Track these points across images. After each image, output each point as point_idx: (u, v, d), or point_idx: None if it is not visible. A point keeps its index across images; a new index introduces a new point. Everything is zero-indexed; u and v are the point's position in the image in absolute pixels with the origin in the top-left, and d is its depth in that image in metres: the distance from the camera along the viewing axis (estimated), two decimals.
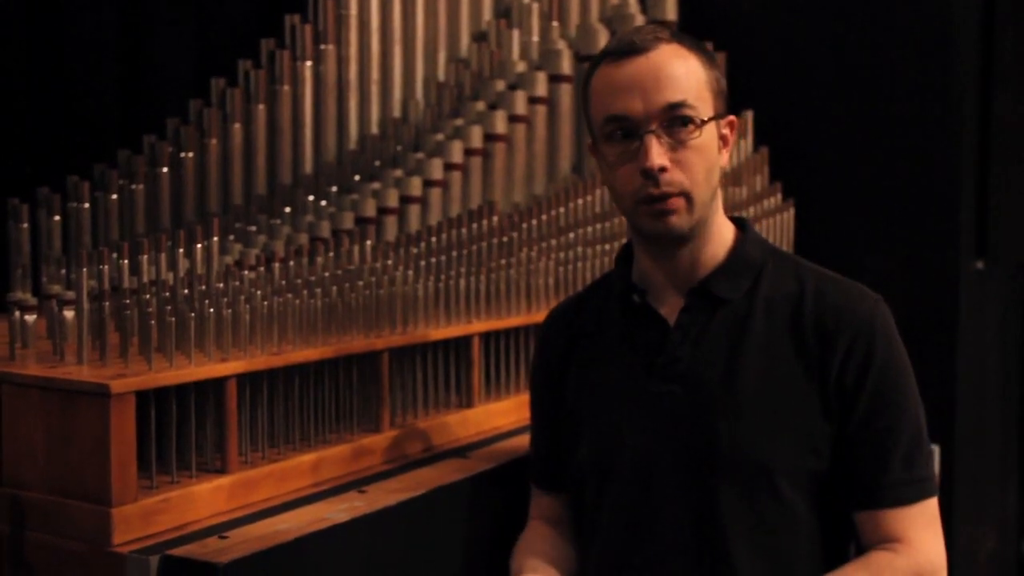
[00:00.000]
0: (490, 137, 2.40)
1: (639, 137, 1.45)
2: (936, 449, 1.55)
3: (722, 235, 1.56)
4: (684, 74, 1.46)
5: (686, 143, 1.45)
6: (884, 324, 1.50)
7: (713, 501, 1.47)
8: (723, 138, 1.53)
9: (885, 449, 1.47)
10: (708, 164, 1.48)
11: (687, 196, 1.47)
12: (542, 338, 1.74)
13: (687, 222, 1.48)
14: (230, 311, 1.64)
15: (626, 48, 1.48)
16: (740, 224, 1.60)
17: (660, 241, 1.53)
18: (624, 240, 1.66)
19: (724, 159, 1.54)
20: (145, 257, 1.77)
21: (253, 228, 2.21)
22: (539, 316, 2.14)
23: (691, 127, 1.45)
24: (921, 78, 2.94)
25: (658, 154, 1.44)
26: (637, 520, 1.52)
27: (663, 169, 1.44)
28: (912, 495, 1.47)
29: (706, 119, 1.47)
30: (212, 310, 1.62)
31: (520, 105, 2.46)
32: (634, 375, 1.55)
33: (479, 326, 2.07)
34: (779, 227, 2.75)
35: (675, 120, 1.45)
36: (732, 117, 1.55)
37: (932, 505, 1.49)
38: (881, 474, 1.46)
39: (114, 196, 2.25)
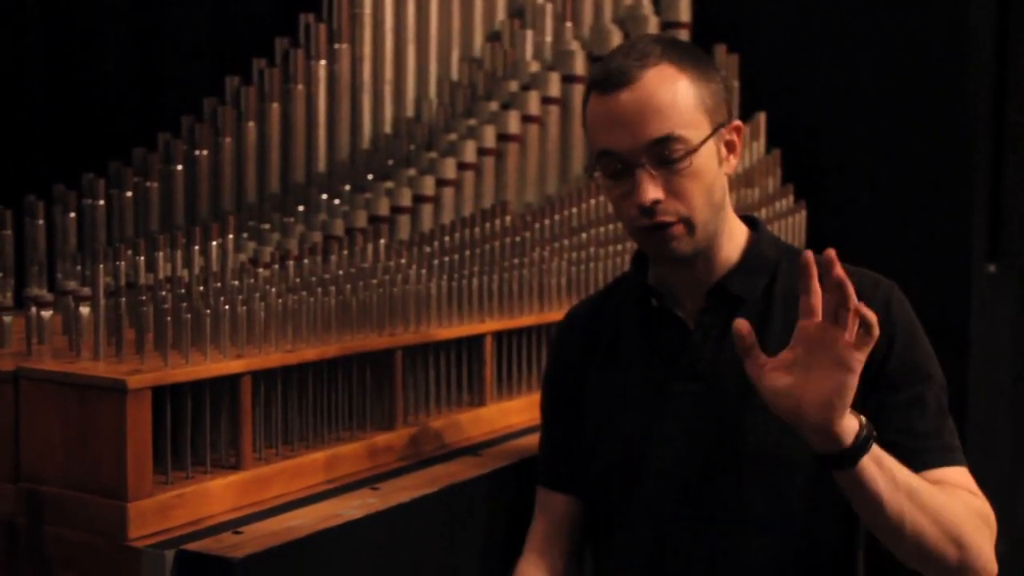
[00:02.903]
0: (503, 137, 2.41)
1: (631, 172, 1.45)
2: None
3: (735, 236, 1.56)
4: (670, 103, 1.43)
5: (680, 172, 1.44)
6: (900, 308, 1.51)
7: (737, 498, 1.47)
8: (728, 144, 1.52)
9: (913, 420, 1.45)
10: (706, 185, 1.46)
11: (686, 222, 1.46)
12: (559, 339, 1.74)
13: (689, 245, 1.48)
14: (245, 308, 1.65)
15: (613, 79, 1.45)
16: (752, 223, 1.60)
17: (666, 263, 1.54)
18: None
19: (732, 165, 1.53)
20: (161, 254, 1.78)
21: (267, 226, 2.22)
22: (551, 316, 2.15)
23: (683, 158, 1.44)
24: (935, 81, 2.94)
25: (650, 188, 1.43)
26: (664, 520, 1.53)
27: (656, 202, 1.44)
28: (951, 459, 1.45)
29: (698, 144, 1.44)
30: (227, 307, 1.63)
31: (533, 105, 2.46)
32: (656, 377, 1.55)
33: (492, 325, 2.07)
34: (791, 229, 2.75)
35: (664, 154, 1.43)
36: (737, 123, 1.54)
37: (968, 473, 1.48)
38: (913, 440, 1.44)
39: (129, 193, 2.26)
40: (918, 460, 1.43)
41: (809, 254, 1.27)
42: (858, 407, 1.44)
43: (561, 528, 1.67)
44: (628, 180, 1.45)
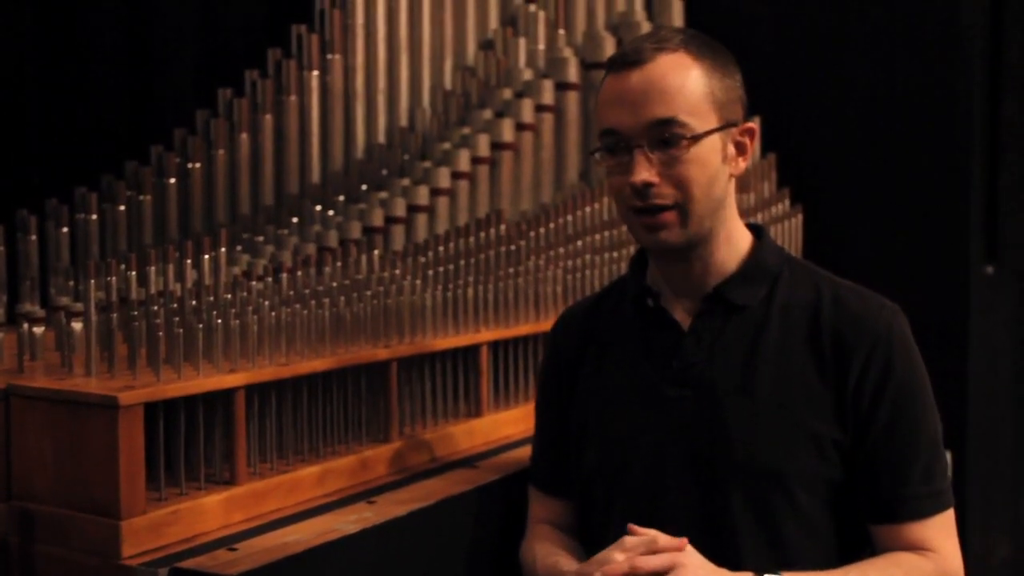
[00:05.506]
0: (497, 145, 2.40)
1: (629, 151, 1.46)
2: (948, 456, 1.56)
3: (735, 242, 1.55)
4: (678, 88, 1.44)
5: (678, 158, 1.45)
6: (902, 336, 1.50)
7: (725, 507, 1.46)
8: (738, 145, 1.52)
9: (904, 463, 1.46)
10: (706, 178, 1.46)
11: (680, 209, 1.46)
12: (553, 339, 1.73)
13: (679, 236, 1.48)
14: (238, 322, 1.64)
15: (627, 59, 1.47)
16: (756, 231, 1.59)
17: (656, 252, 1.53)
18: (637, 245, 1.67)
19: (739, 167, 1.52)
20: (153, 268, 1.76)
21: (260, 238, 2.21)
22: (547, 324, 2.13)
23: (683, 143, 1.44)
24: (929, 82, 2.93)
25: (644, 170, 1.44)
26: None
27: (648, 184, 1.44)
28: (932, 508, 1.47)
29: (701, 133, 1.45)
30: (220, 321, 1.62)
31: (527, 113, 2.45)
32: (647, 379, 1.54)
33: (487, 335, 2.06)
34: (787, 233, 2.74)
35: (663, 137, 1.44)
36: (750, 124, 1.54)
37: (950, 516, 1.50)
38: (901, 488, 1.46)
39: (122, 207, 2.25)
40: (896, 512, 1.46)
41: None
42: (833, 424, 1.44)
43: (560, 531, 1.67)
44: (624, 161, 1.47)
